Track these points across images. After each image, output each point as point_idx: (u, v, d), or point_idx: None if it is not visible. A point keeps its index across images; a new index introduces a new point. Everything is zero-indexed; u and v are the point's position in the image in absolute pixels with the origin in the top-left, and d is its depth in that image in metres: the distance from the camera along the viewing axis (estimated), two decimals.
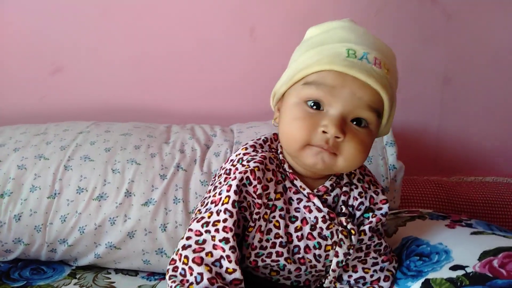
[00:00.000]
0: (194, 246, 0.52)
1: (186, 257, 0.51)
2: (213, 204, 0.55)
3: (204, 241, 0.52)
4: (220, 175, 0.60)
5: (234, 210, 0.53)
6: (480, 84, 1.26)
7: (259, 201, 0.55)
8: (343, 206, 0.59)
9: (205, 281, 0.49)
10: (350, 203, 0.60)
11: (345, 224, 0.57)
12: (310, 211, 0.57)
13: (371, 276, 0.61)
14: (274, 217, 0.56)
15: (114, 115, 1.15)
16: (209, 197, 0.57)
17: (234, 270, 0.50)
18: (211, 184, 0.62)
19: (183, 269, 0.51)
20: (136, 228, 0.81)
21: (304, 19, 1.17)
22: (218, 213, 0.54)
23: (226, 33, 1.17)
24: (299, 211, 0.57)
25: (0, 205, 0.82)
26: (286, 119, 0.55)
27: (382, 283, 0.61)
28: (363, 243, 0.59)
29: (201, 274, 0.49)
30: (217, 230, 0.52)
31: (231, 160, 0.60)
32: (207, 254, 0.51)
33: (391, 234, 0.71)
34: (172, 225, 0.82)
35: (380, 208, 0.61)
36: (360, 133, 0.53)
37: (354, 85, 0.51)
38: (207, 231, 0.53)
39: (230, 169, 0.58)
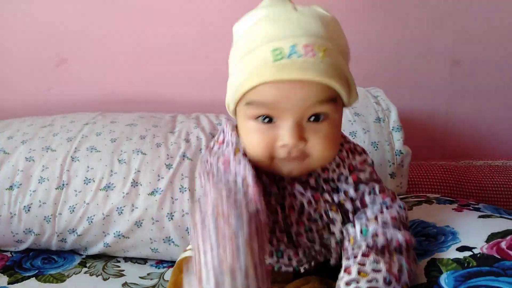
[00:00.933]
0: None
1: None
2: None
3: None
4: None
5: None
6: (489, 66, 1.23)
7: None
8: (324, 185, 0.57)
9: None
10: (330, 177, 0.57)
11: (330, 200, 0.56)
12: (295, 198, 0.55)
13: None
14: (269, 203, 0.55)
15: (120, 105, 1.15)
16: None
17: None
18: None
19: None
20: (143, 217, 0.82)
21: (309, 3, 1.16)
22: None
23: (229, 20, 1.15)
24: (285, 199, 0.56)
25: (9, 197, 0.83)
26: (243, 136, 0.53)
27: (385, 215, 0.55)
28: (362, 207, 0.57)
29: None
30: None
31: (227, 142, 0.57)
32: None
33: None
34: (179, 213, 0.82)
35: (361, 170, 0.58)
36: (322, 128, 0.50)
37: (294, 89, 0.47)
38: None
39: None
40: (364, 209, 0.55)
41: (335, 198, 0.56)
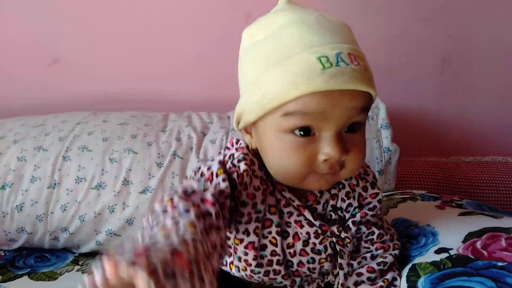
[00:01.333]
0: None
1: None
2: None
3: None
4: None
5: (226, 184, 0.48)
6: (480, 64, 1.24)
7: (244, 210, 0.51)
8: (332, 213, 0.55)
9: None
10: (338, 205, 0.56)
11: (337, 233, 0.54)
12: (302, 226, 0.53)
13: (358, 263, 0.55)
14: (270, 232, 0.52)
15: (112, 104, 1.16)
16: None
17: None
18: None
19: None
20: (135, 216, 0.83)
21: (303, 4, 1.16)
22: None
23: (222, 20, 1.17)
24: (290, 226, 0.53)
25: (2, 196, 0.84)
26: (273, 154, 0.49)
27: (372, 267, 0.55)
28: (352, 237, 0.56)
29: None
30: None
31: (221, 153, 0.55)
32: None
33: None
34: None
35: (369, 203, 0.57)
36: (358, 139, 0.48)
37: (344, 99, 0.45)
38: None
39: (220, 161, 0.53)
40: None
41: (342, 235, 0.54)
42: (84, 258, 0.86)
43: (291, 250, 0.53)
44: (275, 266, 0.54)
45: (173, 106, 1.14)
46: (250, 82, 0.49)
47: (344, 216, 0.56)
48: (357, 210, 0.56)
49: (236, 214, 0.51)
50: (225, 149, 0.55)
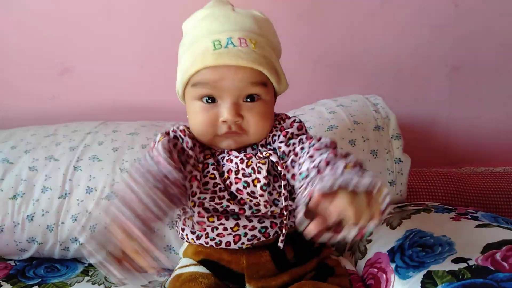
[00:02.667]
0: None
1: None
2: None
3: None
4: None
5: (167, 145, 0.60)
6: (489, 72, 1.24)
7: (191, 152, 0.62)
8: (260, 148, 0.64)
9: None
10: (266, 142, 0.65)
11: (261, 155, 0.62)
12: (231, 161, 0.63)
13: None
14: (208, 171, 0.63)
15: (122, 114, 1.17)
16: None
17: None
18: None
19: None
20: None
21: (310, 9, 1.17)
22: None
23: None
24: (224, 166, 0.63)
25: (13, 206, 0.84)
26: (190, 115, 0.63)
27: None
28: (296, 157, 0.60)
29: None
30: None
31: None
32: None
33: (395, 227, 0.71)
34: None
35: (290, 127, 0.65)
36: (256, 107, 0.60)
37: (230, 72, 0.58)
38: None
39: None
40: (300, 160, 0.59)
41: (264, 152, 0.62)
42: (93, 269, 0.86)
43: (228, 182, 0.62)
44: (219, 193, 0.62)
45: (182, 116, 1.14)
46: (178, 60, 0.66)
47: (274, 148, 0.64)
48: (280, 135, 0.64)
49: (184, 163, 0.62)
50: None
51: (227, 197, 0.62)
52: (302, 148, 0.60)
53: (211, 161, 0.64)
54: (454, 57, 1.23)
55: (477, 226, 0.62)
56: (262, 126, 0.62)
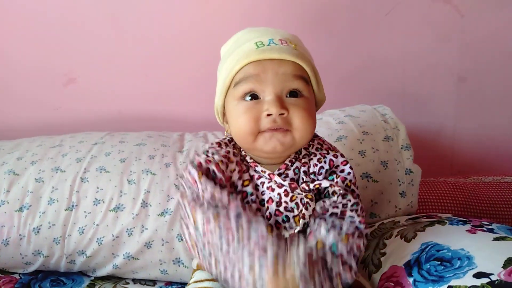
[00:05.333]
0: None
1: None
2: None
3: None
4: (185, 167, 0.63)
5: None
6: (495, 82, 1.24)
7: (228, 184, 0.60)
8: (304, 176, 0.62)
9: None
10: (311, 171, 0.63)
11: (307, 188, 0.59)
12: (273, 190, 0.60)
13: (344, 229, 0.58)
14: (247, 202, 0.60)
15: (127, 124, 1.16)
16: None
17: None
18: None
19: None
20: (153, 238, 0.82)
21: (315, 19, 1.17)
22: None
23: None
24: (264, 194, 0.61)
25: (19, 219, 0.83)
26: (233, 120, 0.60)
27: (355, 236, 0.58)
28: (338, 203, 0.59)
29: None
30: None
31: (195, 152, 0.64)
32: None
33: (410, 239, 0.70)
34: None
35: (342, 170, 0.63)
36: (300, 103, 0.59)
37: (273, 65, 0.58)
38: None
39: (194, 158, 0.61)
40: (339, 222, 0.57)
41: (311, 186, 0.59)
42: (100, 282, 0.84)
43: (267, 213, 0.60)
44: None
45: (187, 125, 1.14)
46: (218, 76, 0.65)
47: (317, 179, 0.62)
48: (333, 176, 0.62)
49: None
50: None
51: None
52: (351, 211, 0.59)
53: (249, 189, 0.61)
54: (460, 67, 1.23)
55: (495, 239, 0.61)
56: (308, 124, 0.59)
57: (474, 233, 0.66)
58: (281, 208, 0.59)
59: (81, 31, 1.14)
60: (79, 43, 1.15)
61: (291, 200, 0.59)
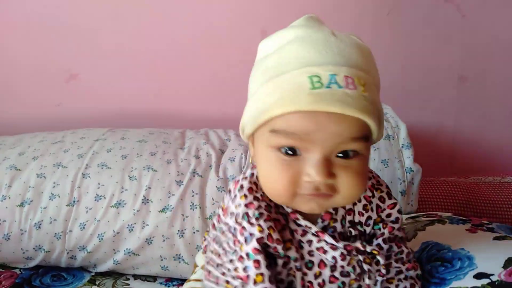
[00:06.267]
0: None
1: None
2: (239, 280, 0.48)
3: None
4: (223, 231, 0.52)
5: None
6: (496, 82, 1.24)
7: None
8: (351, 229, 0.53)
9: None
10: (356, 220, 0.53)
11: (362, 249, 0.51)
12: (325, 252, 0.50)
13: (396, 286, 0.54)
14: (290, 268, 0.50)
15: (128, 120, 1.16)
16: (225, 262, 0.50)
17: None
18: (213, 228, 0.58)
19: None
20: (154, 235, 0.82)
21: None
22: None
23: (238, 36, 1.17)
24: (313, 255, 0.51)
25: (20, 214, 0.83)
26: (262, 167, 0.49)
27: None
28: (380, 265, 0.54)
29: None
30: None
31: (232, 214, 0.51)
32: None
33: (410, 239, 0.71)
34: (189, 231, 0.82)
35: (389, 215, 0.55)
36: (352, 165, 0.46)
37: (329, 122, 0.43)
38: None
39: (235, 228, 0.50)
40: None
41: (368, 249, 0.51)
42: (101, 278, 0.85)
43: (320, 280, 0.50)
44: None
45: (189, 123, 1.14)
46: (251, 94, 0.49)
47: (365, 230, 0.54)
48: (380, 225, 0.54)
49: None
50: (233, 199, 0.52)
51: None
52: (396, 262, 0.55)
53: (293, 253, 0.50)
54: (461, 67, 1.23)
55: (495, 238, 0.62)
56: (358, 190, 0.47)
57: (475, 232, 0.66)
58: (337, 274, 0.50)
59: (83, 27, 1.14)
60: (81, 40, 1.15)
61: (348, 264, 0.50)
